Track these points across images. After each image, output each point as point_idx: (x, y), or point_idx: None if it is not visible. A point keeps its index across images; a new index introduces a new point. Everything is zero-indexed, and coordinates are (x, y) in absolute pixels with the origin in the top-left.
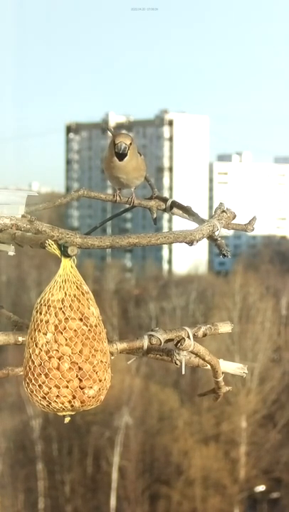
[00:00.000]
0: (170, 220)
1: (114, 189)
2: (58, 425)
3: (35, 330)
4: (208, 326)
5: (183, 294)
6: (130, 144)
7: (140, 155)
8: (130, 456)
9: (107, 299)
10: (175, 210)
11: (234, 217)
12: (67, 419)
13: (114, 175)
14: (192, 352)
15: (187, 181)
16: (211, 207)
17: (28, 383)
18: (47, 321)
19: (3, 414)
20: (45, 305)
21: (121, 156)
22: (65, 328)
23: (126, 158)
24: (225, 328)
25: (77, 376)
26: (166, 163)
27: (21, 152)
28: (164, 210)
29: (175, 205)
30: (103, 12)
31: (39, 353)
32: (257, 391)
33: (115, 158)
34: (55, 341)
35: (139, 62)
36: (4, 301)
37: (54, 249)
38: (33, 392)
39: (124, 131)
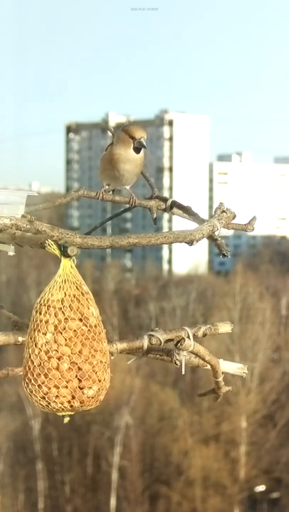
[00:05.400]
0: (170, 220)
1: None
2: (57, 425)
3: (34, 330)
4: (208, 326)
5: (183, 294)
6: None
7: None
8: (130, 456)
9: (107, 299)
10: (175, 210)
11: (234, 217)
12: (66, 420)
13: (121, 167)
14: (192, 352)
15: (187, 181)
16: (211, 207)
17: (27, 383)
18: (46, 321)
19: (3, 414)
20: (44, 305)
21: (139, 150)
22: (64, 329)
23: (141, 152)
24: (225, 328)
25: (76, 376)
26: (166, 163)
27: (21, 152)
28: (164, 210)
29: (175, 205)
30: (103, 12)
31: (39, 353)
32: (257, 391)
33: (131, 151)
34: (55, 341)
35: (139, 62)
36: (4, 301)
37: (54, 249)
38: (32, 392)
39: (137, 123)
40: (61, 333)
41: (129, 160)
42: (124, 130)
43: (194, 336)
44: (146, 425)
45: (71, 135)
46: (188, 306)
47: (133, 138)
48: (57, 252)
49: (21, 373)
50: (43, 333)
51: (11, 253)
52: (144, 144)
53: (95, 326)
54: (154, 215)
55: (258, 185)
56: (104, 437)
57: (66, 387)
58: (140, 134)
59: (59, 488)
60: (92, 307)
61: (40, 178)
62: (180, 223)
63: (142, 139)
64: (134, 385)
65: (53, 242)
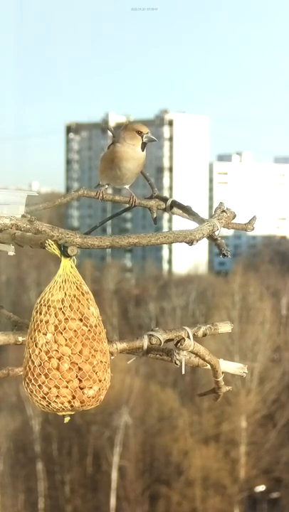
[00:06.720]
0: (170, 220)
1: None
2: (57, 425)
3: (35, 330)
4: (208, 325)
5: (183, 294)
6: None
7: None
8: (130, 456)
9: (107, 299)
10: (175, 209)
11: (234, 216)
12: (66, 419)
13: (124, 165)
14: (192, 352)
15: (187, 181)
16: (211, 207)
17: (27, 383)
18: (47, 321)
19: (3, 414)
20: (45, 305)
21: (144, 146)
22: (64, 329)
23: (144, 151)
24: (225, 328)
25: (76, 376)
26: (166, 163)
27: (21, 152)
28: (164, 210)
29: (175, 204)
30: (103, 12)
31: (39, 353)
32: (257, 391)
33: (139, 147)
34: (55, 341)
35: (139, 62)
36: (4, 301)
37: (54, 249)
38: (32, 392)
39: (138, 122)
40: (61, 333)
41: (134, 158)
42: (130, 128)
43: (194, 335)
44: (146, 425)
45: (71, 135)
46: (188, 306)
47: (140, 133)
48: (57, 252)
49: (21, 373)
50: (43, 333)
51: (11, 253)
52: (153, 137)
53: (95, 326)
54: (154, 215)
55: (258, 185)
56: (104, 437)
57: (66, 387)
58: (146, 130)
59: (59, 488)
60: (93, 307)
61: (40, 178)
62: (180, 223)
63: (149, 134)
64: (133, 385)
65: (53, 242)
